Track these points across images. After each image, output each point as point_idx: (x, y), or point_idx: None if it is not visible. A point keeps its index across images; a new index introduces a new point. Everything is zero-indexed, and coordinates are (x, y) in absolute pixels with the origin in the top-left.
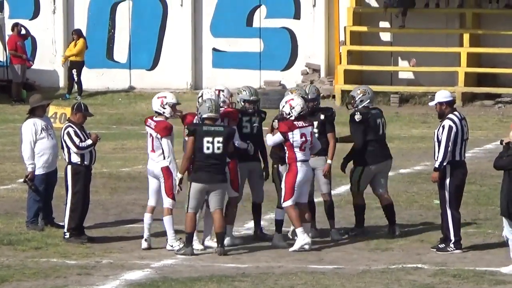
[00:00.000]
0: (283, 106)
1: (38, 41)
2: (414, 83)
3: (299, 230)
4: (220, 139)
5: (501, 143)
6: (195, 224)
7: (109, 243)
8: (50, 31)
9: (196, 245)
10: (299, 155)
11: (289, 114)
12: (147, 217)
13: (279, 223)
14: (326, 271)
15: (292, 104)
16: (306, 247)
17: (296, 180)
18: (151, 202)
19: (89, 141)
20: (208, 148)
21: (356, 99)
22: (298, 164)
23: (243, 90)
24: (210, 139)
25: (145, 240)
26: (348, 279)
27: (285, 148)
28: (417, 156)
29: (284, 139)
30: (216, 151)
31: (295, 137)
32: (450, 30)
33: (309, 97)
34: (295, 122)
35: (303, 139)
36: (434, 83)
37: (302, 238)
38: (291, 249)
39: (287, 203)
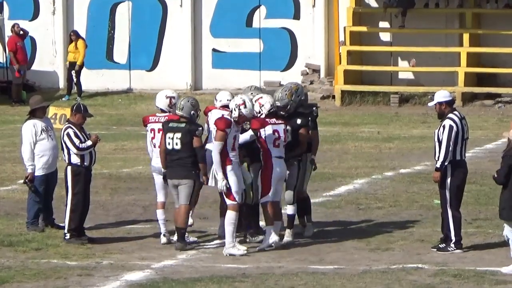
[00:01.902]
0: (253, 105)
1: (38, 42)
2: (414, 83)
3: (269, 228)
4: (179, 135)
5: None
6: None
7: (110, 244)
8: (49, 32)
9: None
10: (274, 152)
11: (259, 112)
12: (160, 213)
13: (291, 218)
14: (327, 271)
15: (261, 102)
16: (273, 245)
17: (272, 175)
18: (161, 198)
19: (89, 142)
20: (169, 143)
21: (294, 96)
22: (274, 160)
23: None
24: (171, 135)
25: (164, 235)
26: (349, 279)
27: (259, 145)
28: (417, 156)
29: (256, 136)
30: (175, 147)
31: (267, 133)
32: (449, 30)
33: (278, 104)
34: (267, 119)
35: (276, 135)
36: (434, 83)
37: (270, 237)
38: (258, 248)
39: (265, 199)
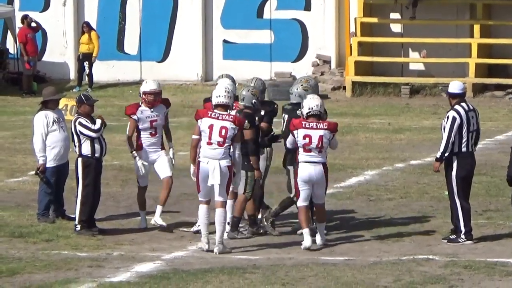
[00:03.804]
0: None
1: (49, 33)
2: (425, 74)
3: (304, 231)
4: None
5: None
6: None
7: (120, 235)
8: (60, 23)
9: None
10: (302, 156)
11: (301, 112)
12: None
13: None
14: (337, 262)
15: (303, 103)
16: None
17: (298, 179)
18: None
19: (98, 121)
20: None
21: (312, 82)
22: (300, 164)
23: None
24: None
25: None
26: (359, 270)
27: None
28: (428, 147)
29: (293, 137)
30: None
31: (298, 137)
32: (460, 21)
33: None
34: (303, 122)
35: (306, 140)
36: (444, 74)
37: (306, 239)
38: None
39: (298, 203)
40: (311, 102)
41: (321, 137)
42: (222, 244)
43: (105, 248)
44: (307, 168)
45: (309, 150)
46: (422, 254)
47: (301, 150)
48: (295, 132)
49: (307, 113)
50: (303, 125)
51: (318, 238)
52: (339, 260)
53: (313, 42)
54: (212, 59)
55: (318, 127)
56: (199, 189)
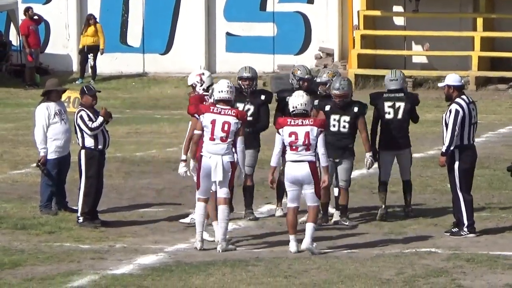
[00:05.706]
0: None
1: (51, 26)
2: (428, 67)
3: (291, 237)
4: None
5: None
6: None
7: (123, 228)
8: (63, 15)
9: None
10: (289, 155)
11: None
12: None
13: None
14: (340, 255)
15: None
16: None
17: (285, 179)
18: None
19: (99, 119)
20: None
21: (336, 77)
22: (286, 164)
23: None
24: None
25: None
26: (362, 263)
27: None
28: (431, 140)
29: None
30: None
31: (284, 134)
32: (463, 14)
33: (318, 80)
34: (289, 120)
35: (292, 138)
36: (447, 67)
37: (292, 244)
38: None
39: (287, 204)
40: (295, 101)
41: (307, 134)
42: (225, 241)
43: (107, 240)
44: (292, 168)
45: (296, 148)
46: (424, 247)
47: (288, 148)
48: (280, 130)
49: (292, 112)
50: (288, 123)
51: (304, 241)
52: (342, 252)
53: (316, 35)
54: (215, 52)
55: (304, 123)
56: (199, 185)
